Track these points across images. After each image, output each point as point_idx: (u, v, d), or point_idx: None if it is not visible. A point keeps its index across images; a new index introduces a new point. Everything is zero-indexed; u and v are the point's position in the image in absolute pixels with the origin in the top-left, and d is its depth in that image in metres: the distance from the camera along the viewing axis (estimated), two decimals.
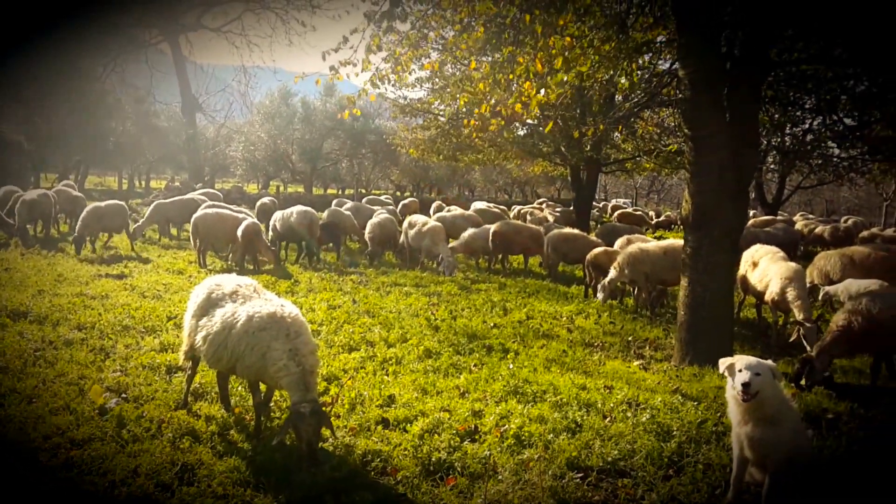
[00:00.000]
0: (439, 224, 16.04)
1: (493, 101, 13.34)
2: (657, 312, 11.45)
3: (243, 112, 54.38)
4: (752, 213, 30.48)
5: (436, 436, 5.52)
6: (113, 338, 8.10)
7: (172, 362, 7.18)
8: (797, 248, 18.39)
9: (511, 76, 8.64)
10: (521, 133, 20.93)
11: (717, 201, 8.00)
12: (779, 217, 27.38)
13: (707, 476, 4.96)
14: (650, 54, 11.46)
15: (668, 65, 11.46)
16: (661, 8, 9.59)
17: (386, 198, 33.54)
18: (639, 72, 10.91)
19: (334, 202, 24.36)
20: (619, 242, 13.75)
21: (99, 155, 39.83)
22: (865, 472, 5.13)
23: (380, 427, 5.79)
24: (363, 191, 53.71)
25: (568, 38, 7.75)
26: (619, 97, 15.30)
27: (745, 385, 4.37)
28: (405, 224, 16.59)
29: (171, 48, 40.40)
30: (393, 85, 18.79)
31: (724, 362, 4.64)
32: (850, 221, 32.42)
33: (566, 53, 8.02)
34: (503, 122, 10.34)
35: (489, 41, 9.52)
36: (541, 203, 35.00)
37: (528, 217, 24.09)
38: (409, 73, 9.03)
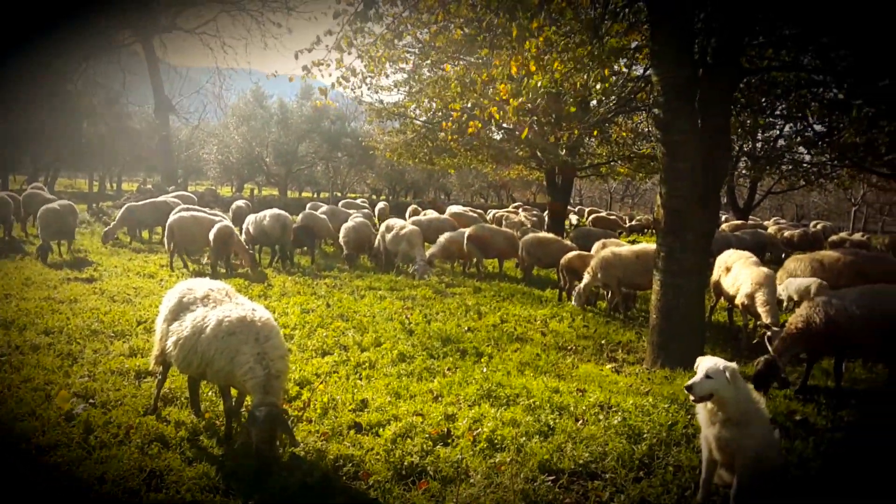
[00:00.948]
0: (416, 228, 16.02)
1: (469, 104, 13.41)
2: (630, 316, 11.56)
3: (217, 114, 54.00)
4: (724, 217, 30.93)
5: (408, 440, 5.50)
6: (81, 342, 7.96)
7: (142, 367, 7.09)
8: (765, 252, 18.68)
9: (485, 76, 8.69)
10: (497, 137, 20.99)
11: (688, 206, 8.09)
12: (749, 221, 27.80)
13: (677, 478, 5.01)
14: (624, 59, 11.59)
15: (641, 70, 11.60)
16: (636, 14, 9.72)
17: (362, 201, 33.42)
18: (613, 77, 11.03)
19: (309, 205, 24.17)
20: (596, 247, 13.84)
21: (70, 156, 39.26)
22: (834, 472, 5.21)
23: (352, 431, 5.76)
24: (339, 194, 53.52)
25: (542, 39, 7.81)
26: (593, 102, 15.41)
27: (688, 388, 4.53)
28: (382, 228, 16.56)
29: (144, 49, 39.85)
30: (368, 87, 18.79)
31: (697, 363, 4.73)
32: (819, 226, 33.06)
33: (542, 57, 8.09)
34: (480, 125, 10.38)
35: (465, 44, 9.56)
36: (516, 207, 35.10)
37: (504, 221, 24.16)
38: (383, 73, 9.04)
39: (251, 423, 4.75)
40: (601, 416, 6.15)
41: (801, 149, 20.17)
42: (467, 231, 15.96)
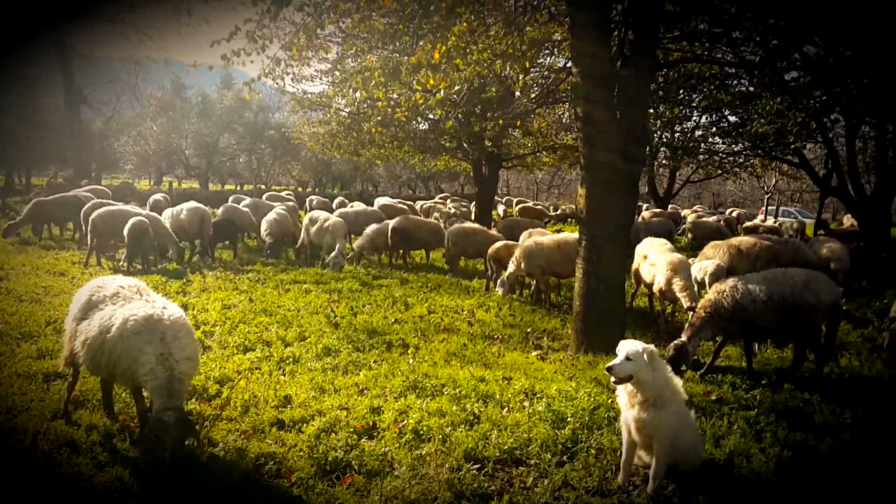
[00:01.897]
0: (341, 220, 15.82)
1: (396, 95, 13.30)
2: (554, 303, 11.75)
3: (134, 105, 51.82)
4: (645, 206, 31.90)
5: (332, 435, 5.42)
6: None
7: (51, 369, 6.74)
8: (672, 237, 19.59)
9: (413, 60, 8.63)
10: (422, 128, 20.93)
11: (608, 196, 8.26)
12: (668, 210, 28.79)
13: (599, 460, 5.11)
14: (546, 51, 11.74)
15: (563, 62, 11.78)
16: (556, 5, 9.84)
17: (287, 194, 32.78)
18: (534, 69, 11.16)
19: (231, 198, 23.54)
20: (523, 236, 13.98)
21: None
22: (747, 448, 5.42)
23: (274, 429, 5.62)
24: (263, 187, 52.32)
25: (465, 26, 7.82)
26: (517, 93, 15.55)
27: (609, 369, 4.67)
28: (306, 220, 16.30)
29: (54, 36, 37.73)
30: (292, 78, 18.38)
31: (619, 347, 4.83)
32: (734, 213, 34.53)
33: (462, 47, 8.09)
34: (407, 113, 10.33)
35: (389, 34, 9.46)
36: (444, 198, 35.18)
37: (435, 213, 24.14)
38: (305, 63, 8.84)
39: (160, 430, 4.50)
40: (526, 403, 6.22)
41: (717, 139, 20.95)
42: (391, 223, 15.89)
